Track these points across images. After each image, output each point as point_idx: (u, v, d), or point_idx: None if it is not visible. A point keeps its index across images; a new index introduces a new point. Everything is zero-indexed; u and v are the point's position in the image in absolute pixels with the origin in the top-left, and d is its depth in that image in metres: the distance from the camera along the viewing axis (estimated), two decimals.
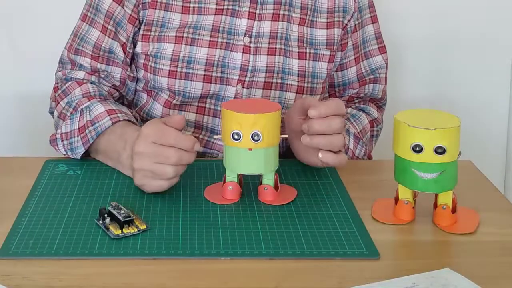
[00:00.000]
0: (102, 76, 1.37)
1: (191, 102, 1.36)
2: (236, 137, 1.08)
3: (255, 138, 1.08)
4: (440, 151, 1.01)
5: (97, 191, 1.16)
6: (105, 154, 1.26)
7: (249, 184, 1.17)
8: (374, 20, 1.46)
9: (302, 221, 1.07)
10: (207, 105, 1.37)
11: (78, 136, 1.27)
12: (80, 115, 1.29)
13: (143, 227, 1.03)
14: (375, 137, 1.46)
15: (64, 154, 1.30)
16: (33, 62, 1.82)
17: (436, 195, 1.07)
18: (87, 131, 1.26)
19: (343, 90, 1.46)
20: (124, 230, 1.01)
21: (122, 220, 1.02)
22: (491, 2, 1.89)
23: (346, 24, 1.41)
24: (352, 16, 1.41)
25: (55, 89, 1.39)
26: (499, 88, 1.95)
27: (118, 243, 1.00)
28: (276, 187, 1.13)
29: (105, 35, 1.36)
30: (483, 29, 1.89)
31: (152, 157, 1.10)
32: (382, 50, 1.46)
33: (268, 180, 1.12)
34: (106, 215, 1.04)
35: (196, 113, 1.37)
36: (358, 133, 1.37)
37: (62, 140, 1.29)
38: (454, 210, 1.06)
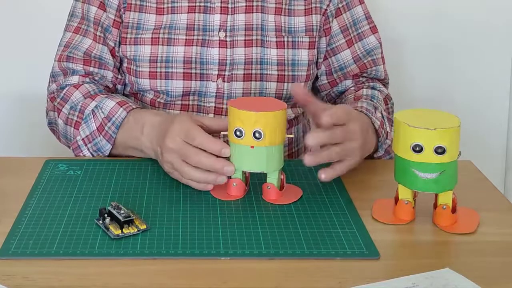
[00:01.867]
0: (96, 78, 1.39)
1: (175, 101, 1.39)
2: (238, 134, 1.09)
3: (257, 135, 1.08)
4: (440, 151, 1.01)
5: (97, 191, 1.16)
6: (123, 144, 1.28)
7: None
8: (361, 1, 1.46)
9: (302, 221, 1.07)
10: (191, 102, 1.39)
11: (99, 135, 1.30)
12: (93, 116, 1.31)
13: (143, 227, 1.03)
14: (392, 114, 1.44)
15: (93, 156, 1.32)
16: (32, 62, 1.82)
17: (436, 195, 1.07)
18: (106, 128, 1.29)
19: (342, 76, 1.46)
20: (124, 230, 1.01)
21: (122, 220, 1.02)
22: (491, 1, 1.89)
23: (326, 9, 1.41)
24: (330, 1, 1.41)
25: (52, 99, 1.39)
26: (499, 88, 1.95)
27: (118, 243, 1.00)
28: (281, 187, 1.13)
29: (96, 41, 1.39)
30: (483, 29, 1.89)
31: (177, 154, 1.13)
32: (374, 29, 1.46)
33: (272, 179, 1.12)
34: (106, 215, 1.04)
35: (181, 110, 1.39)
36: (386, 112, 1.36)
37: (86, 144, 1.31)
38: (454, 210, 1.06)
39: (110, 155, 1.31)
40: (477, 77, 1.93)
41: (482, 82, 1.94)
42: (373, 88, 1.44)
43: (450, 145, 1.02)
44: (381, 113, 1.32)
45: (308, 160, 1.10)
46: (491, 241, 1.03)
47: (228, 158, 1.12)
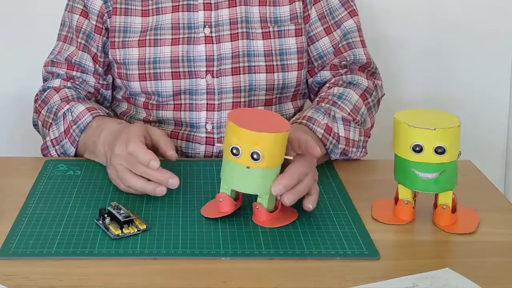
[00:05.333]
0: (77, 82, 1.42)
1: (167, 101, 1.39)
2: (235, 152, 1.02)
3: (255, 157, 1.01)
4: (440, 151, 1.01)
5: (97, 191, 1.16)
6: (83, 147, 1.30)
7: None
8: None
9: (302, 221, 1.07)
10: (182, 101, 1.39)
11: (65, 138, 1.32)
12: (63, 118, 1.33)
13: (143, 227, 1.03)
14: (374, 108, 1.41)
15: (59, 157, 1.33)
16: (32, 62, 1.82)
17: (436, 195, 1.07)
18: (71, 130, 1.31)
19: (321, 65, 1.44)
20: (124, 230, 1.01)
21: (122, 220, 1.02)
22: (491, 1, 1.89)
23: None
24: None
25: (35, 101, 1.43)
26: (499, 88, 1.95)
27: (118, 243, 1.00)
28: (275, 207, 1.07)
29: (77, 48, 1.42)
30: (483, 28, 1.89)
31: (122, 160, 1.13)
32: (352, 13, 1.44)
33: (262, 200, 1.05)
34: (106, 215, 1.04)
35: (173, 110, 1.40)
36: (349, 114, 1.32)
37: (54, 146, 1.34)
38: (454, 210, 1.06)
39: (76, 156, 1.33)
40: (477, 76, 1.93)
41: (482, 81, 1.93)
42: (349, 83, 1.39)
43: (450, 145, 1.02)
44: (334, 117, 1.29)
45: (288, 199, 1.05)
46: (491, 241, 1.03)
47: (220, 174, 1.07)
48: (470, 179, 1.23)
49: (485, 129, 1.95)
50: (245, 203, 1.11)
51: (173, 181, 1.10)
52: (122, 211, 1.04)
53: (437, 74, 1.93)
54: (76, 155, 1.32)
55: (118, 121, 1.28)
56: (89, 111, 1.31)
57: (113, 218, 1.03)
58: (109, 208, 1.05)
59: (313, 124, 1.26)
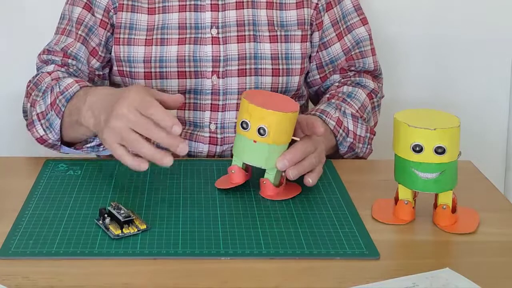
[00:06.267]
0: (72, 69, 1.39)
1: None
2: (244, 126, 1.11)
3: (261, 132, 1.10)
4: (440, 151, 1.01)
5: (97, 191, 1.16)
6: (69, 118, 1.25)
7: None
8: None
9: (302, 221, 1.07)
10: (187, 100, 1.39)
11: (52, 110, 1.28)
12: (51, 92, 1.30)
13: (143, 227, 1.03)
14: (377, 108, 1.48)
15: (42, 135, 1.29)
16: (33, 62, 1.82)
17: (436, 195, 1.07)
18: (57, 101, 1.27)
19: (332, 69, 1.46)
20: (124, 230, 1.01)
21: (122, 220, 1.02)
22: (491, 0, 1.89)
23: (317, 4, 1.42)
24: None
25: (27, 86, 1.40)
26: (499, 88, 1.95)
27: (118, 243, 1.00)
28: (281, 183, 1.14)
29: (76, 40, 1.40)
30: (483, 28, 1.89)
31: (128, 121, 1.08)
32: (364, 21, 1.47)
33: (269, 175, 1.13)
34: (106, 215, 1.04)
35: (178, 109, 1.39)
36: (357, 111, 1.39)
37: (40, 120, 1.30)
38: (454, 210, 1.06)
39: (64, 143, 1.30)
40: (477, 77, 1.93)
41: (482, 82, 1.93)
42: (357, 83, 1.45)
43: (450, 145, 1.02)
44: (344, 112, 1.36)
45: (292, 173, 1.13)
46: (491, 241, 1.03)
47: (233, 148, 1.14)
48: (470, 179, 1.23)
49: (485, 129, 1.95)
50: (244, 203, 1.12)
51: (183, 147, 1.06)
52: (122, 211, 1.04)
53: (437, 74, 1.93)
54: (61, 130, 1.28)
55: (107, 88, 1.27)
56: (77, 83, 1.27)
57: (113, 218, 1.03)
58: (109, 208, 1.05)
59: (326, 117, 1.33)
